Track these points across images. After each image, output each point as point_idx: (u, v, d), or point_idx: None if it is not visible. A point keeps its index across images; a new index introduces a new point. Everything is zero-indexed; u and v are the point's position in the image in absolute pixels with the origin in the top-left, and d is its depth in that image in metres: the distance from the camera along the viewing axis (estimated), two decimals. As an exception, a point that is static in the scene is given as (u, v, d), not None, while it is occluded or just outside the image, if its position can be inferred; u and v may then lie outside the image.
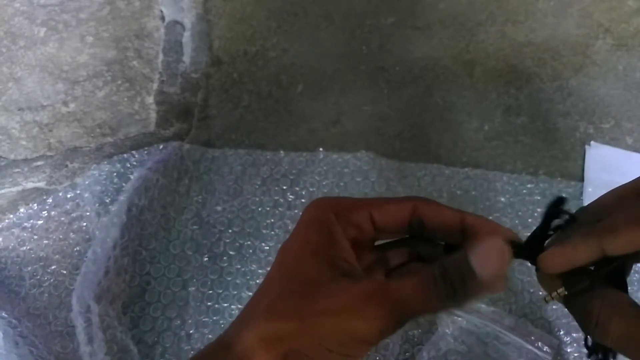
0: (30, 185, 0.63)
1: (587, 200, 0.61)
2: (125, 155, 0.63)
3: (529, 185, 0.62)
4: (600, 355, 0.29)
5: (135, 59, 0.71)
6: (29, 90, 0.69)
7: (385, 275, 0.34)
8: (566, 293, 0.29)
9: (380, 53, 0.71)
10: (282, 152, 0.64)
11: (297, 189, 0.62)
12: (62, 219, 0.60)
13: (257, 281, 0.57)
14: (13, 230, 0.60)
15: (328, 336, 0.27)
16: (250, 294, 0.57)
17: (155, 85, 0.70)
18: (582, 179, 0.62)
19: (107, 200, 0.60)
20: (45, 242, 0.59)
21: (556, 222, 0.31)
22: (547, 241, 0.32)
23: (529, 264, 0.32)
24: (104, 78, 0.70)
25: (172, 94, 0.69)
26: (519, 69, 0.70)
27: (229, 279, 0.57)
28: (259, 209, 0.61)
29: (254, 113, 0.68)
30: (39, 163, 0.65)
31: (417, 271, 0.29)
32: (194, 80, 0.70)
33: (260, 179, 0.62)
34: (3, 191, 0.63)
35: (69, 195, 0.61)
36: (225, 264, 0.58)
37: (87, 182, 0.61)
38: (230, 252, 0.59)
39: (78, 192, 0.61)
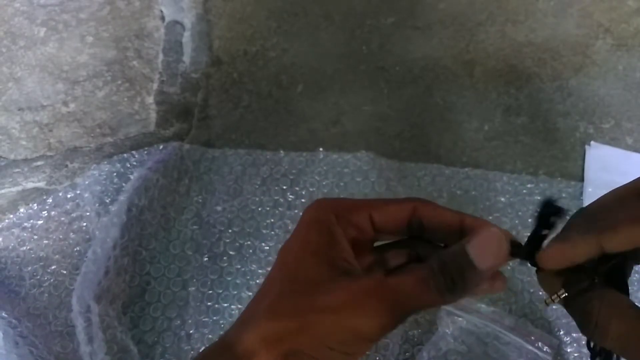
0: (30, 185, 0.63)
1: (587, 200, 0.61)
2: (125, 155, 0.63)
3: (529, 185, 0.62)
4: (602, 358, 0.29)
5: (135, 59, 0.71)
6: (29, 90, 0.69)
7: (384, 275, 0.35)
8: (566, 294, 0.28)
9: (380, 53, 0.71)
10: (282, 152, 0.64)
11: (297, 189, 0.62)
12: (62, 219, 0.60)
13: (257, 281, 0.57)
14: (13, 230, 0.60)
15: (329, 334, 0.27)
16: (250, 294, 0.57)
17: (155, 85, 0.70)
18: (582, 179, 0.62)
19: (107, 200, 0.60)
20: (45, 242, 0.59)
21: (551, 219, 0.31)
22: (545, 241, 0.32)
23: (529, 265, 0.32)
24: (104, 78, 0.70)
25: (172, 94, 0.69)
26: (519, 69, 0.70)
27: (229, 279, 0.57)
28: (259, 209, 0.61)
29: (254, 113, 0.68)
30: (39, 163, 0.65)
31: (415, 269, 0.29)
32: (194, 80, 0.70)
33: (260, 178, 0.62)
34: (3, 191, 0.63)
35: (69, 195, 0.61)
36: (225, 264, 0.58)
37: (87, 182, 0.61)
38: (230, 252, 0.59)
39: (78, 192, 0.61)
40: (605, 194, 0.29)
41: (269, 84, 0.70)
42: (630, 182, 0.29)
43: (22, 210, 0.61)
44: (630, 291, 0.29)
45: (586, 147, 0.64)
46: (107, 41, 0.72)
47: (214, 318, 0.55)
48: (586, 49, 0.71)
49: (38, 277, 0.58)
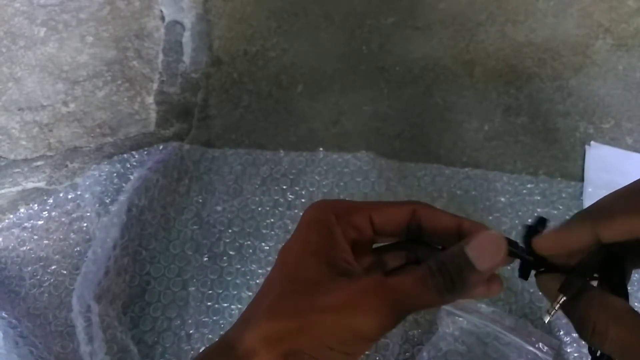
0: (30, 185, 0.64)
1: (587, 200, 0.61)
2: (125, 155, 0.63)
3: (529, 185, 0.62)
4: None
5: (135, 59, 0.71)
6: (29, 90, 0.69)
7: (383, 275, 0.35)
8: (565, 298, 0.29)
9: (380, 53, 0.71)
10: (282, 151, 0.64)
11: (297, 188, 0.62)
12: (63, 219, 0.60)
13: (257, 281, 0.57)
14: (13, 230, 0.60)
15: (329, 334, 0.28)
16: (250, 294, 0.57)
17: (155, 85, 0.70)
18: (582, 179, 0.62)
19: (107, 201, 0.60)
20: (46, 242, 0.59)
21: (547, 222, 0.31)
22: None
23: (524, 268, 0.32)
24: (104, 78, 0.70)
25: (172, 94, 0.69)
26: (519, 69, 0.70)
27: (229, 279, 0.57)
28: (259, 209, 0.61)
29: (254, 113, 0.68)
30: (39, 163, 0.65)
31: (414, 270, 0.29)
32: (194, 80, 0.70)
33: (260, 178, 0.62)
34: (3, 191, 0.63)
35: (69, 196, 0.61)
36: (225, 264, 0.58)
37: (87, 183, 0.61)
38: (230, 252, 0.59)
39: (78, 192, 0.61)
40: (606, 195, 0.29)
41: (269, 84, 0.70)
42: (631, 183, 0.29)
43: (22, 210, 0.61)
44: (630, 291, 0.29)
45: (586, 147, 0.64)
46: (107, 41, 0.72)
47: (214, 318, 0.55)
48: (586, 49, 0.71)
49: (38, 277, 0.58)
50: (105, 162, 0.63)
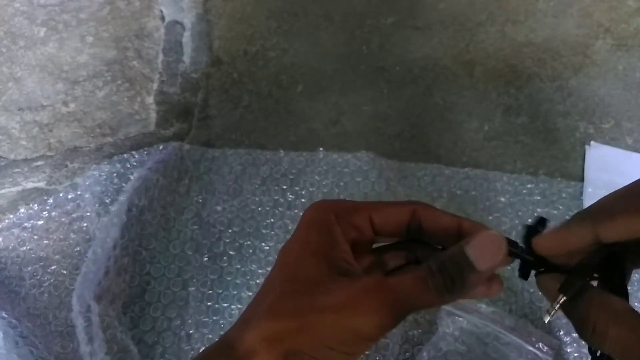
0: (30, 185, 0.64)
1: (587, 200, 0.61)
2: (125, 155, 0.63)
3: (529, 185, 0.62)
4: None
5: (135, 59, 0.71)
6: (29, 90, 0.69)
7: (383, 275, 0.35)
8: (565, 298, 0.28)
9: (380, 53, 0.71)
10: (282, 151, 0.64)
11: (297, 188, 0.62)
12: (63, 219, 0.60)
13: (257, 281, 0.57)
14: (13, 230, 0.60)
15: (329, 334, 0.28)
16: (250, 294, 0.57)
17: (155, 85, 0.70)
18: (582, 179, 0.62)
19: (107, 201, 0.60)
20: (46, 242, 0.59)
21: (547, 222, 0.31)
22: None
23: (523, 269, 0.32)
24: (104, 78, 0.70)
25: (172, 94, 0.69)
26: (519, 69, 0.70)
27: (229, 279, 0.57)
28: (259, 209, 0.61)
29: (254, 113, 0.68)
30: (39, 163, 0.65)
31: (414, 269, 0.30)
32: (194, 80, 0.70)
33: (260, 178, 0.62)
34: (3, 191, 0.63)
35: (69, 196, 0.61)
36: (225, 264, 0.58)
37: (87, 183, 0.61)
38: (230, 252, 0.59)
39: (78, 192, 0.61)
40: (606, 195, 0.29)
41: (269, 84, 0.70)
42: (631, 183, 0.29)
43: (22, 210, 0.61)
44: (630, 291, 0.29)
45: (586, 147, 0.64)
46: (107, 41, 0.72)
47: (214, 318, 0.55)
48: (586, 49, 0.71)
49: (38, 277, 0.58)
50: (105, 162, 0.63)
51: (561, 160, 0.64)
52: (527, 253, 0.31)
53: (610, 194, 0.29)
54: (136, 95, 0.69)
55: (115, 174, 0.62)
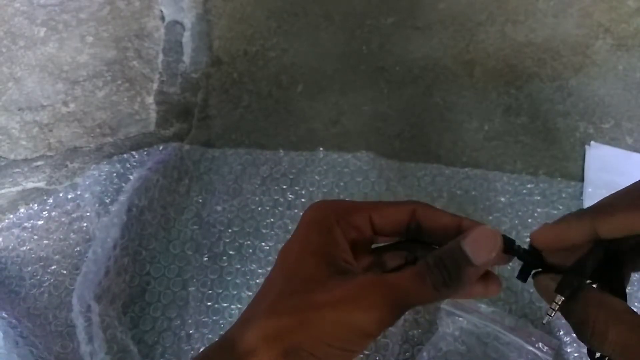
0: (30, 185, 0.64)
1: (587, 200, 0.61)
2: (125, 155, 0.63)
3: (529, 185, 0.62)
4: None
5: (135, 59, 0.71)
6: (29, 90, 0.69)
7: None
8: (562, 299, 0.28)
9: (380, 53, 0.71)
10: (282, 151, 0.64)
11: (297, 188, 0.62)
12: (63, 219, 0.60)
13: (257, 281, 0.57)
14: (13, 230, 0.60)
15: (327, 330, 0.28)
16: (250, 294, 0.57)
17: (155, 85, 0.70)
18: (582, 179, 0.62)
19: (107, 201, 0.60)
20: (46, 242, 0.59)
21: None
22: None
23: (522, 270, 0.32)
24: (104, 78, 0.70)
25: (172, 94, 0.69)
26: (519, 69, 0.70)
27: (229, 278, 0.57)
28: (259, 209, 0.61)
29: (254, 113, 0.68)
30: (39, 163, 0.65)
31: (412, 266, 0.30)
32: (194, 80, 0.70)
33: (260, 178, 0.62)
34: (3, 191, 0.63)
35: (69, 196, 0.61)
36: (225, 264, 0.58)
37: (87, 183, 0.61)
38: (230, 252, 0.59)
39: (78, 192, 0.61)
40: (607, 196, 0.29)
41: (269, 84, 0.70)
42: (632, 184, 0.29)
43: (22, 210, 0.61)
44: (629, 291, 0.29)
45: (586, 147, 0.64)
46: (107, 41, 0.72)
47: (214, 318, 0.55)
48: (586, 49, 0.71)
49: (38, 277, 0.58)
50: (105, 162, 0.63)
51: (561, 160, 0.64)
52: (525, 252, 0.31)
53: (611, 194, 0.29)
54: (136, 95, 0.69)
55: (115, 174, 0.62)
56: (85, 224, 0.60)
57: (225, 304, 0.56)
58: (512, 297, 0.55)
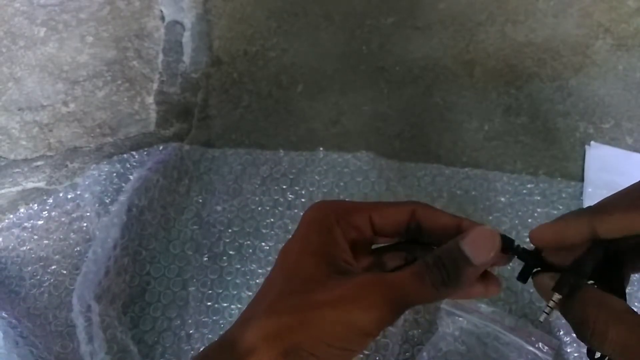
0: (30, 185, 0.64)
1: (587, 200, 0.61)
2: (125, 155, 0.63)
3: (529, 185, 0.62)
4: None
5: (135, 59, 0.71)
6: (29, 90, 0.69)
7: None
8: (560, 297, 0.28)
9: (380, 53, 0.71)
10: (282, 151, 0.64)
11: (297, 188, 0.62)
12: (63, 219, 0.60)
13: (257, 281, 0.57)
14: (13, 230, 0.60)
15: (327, 330, 0.28)
16: (250, 293, 0.57)
17: (155, 85, 0.70)
18: (582, 179, 0.62)
19: (107, 201, 0.60)
20: (46, 242, 0.59)
21: None
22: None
23: (522, 270, 0.32)
24: (104, 78, 0.70)
25: (172, 94, 0.69)
26: (519, 69, 0.70)
27: (229, 278, 0.57)
28: (259, 209, 0.61)
29: (254, 113, 0.68)
30: (39, 163, 0.65)
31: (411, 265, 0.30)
32: (194, 80, 0.70)
33: (260, 178, 0.62)
34: (3, 191, 0.63)
35: (69, 196, 0.61)
36: (225, 264, 0.58)
37: (87, 182, 0.61)
38: (230, 252, 0.59)
39: (78, 192, 0.61)
40: (607, 197, 0.29)
41: (269, 84, 0.70)
42: (632, 185, 0.29)
43: (22, 210, 0.61)
44: (629, 291, 0.29)
45: (586, 147, 0.64)
46: (107, 41, 0.72)
47: (214, 318, 0.55)
48: (586, 49, 0.71)
49: (38, 277, 0.58)
50: (105, 162, 0.63)
51: (561, 160, 0.64)
52: (524, 252, 0.31)
53: (611, 195, 0.29)
54: (136, 95, 0.69)
55: (115, 174, 0.62)
56: (85, 224, 0.60)
57: (225, 304, 0.56)
58: (512, 297, 0.55)
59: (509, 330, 0.51)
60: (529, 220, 0.60)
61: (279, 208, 0.61)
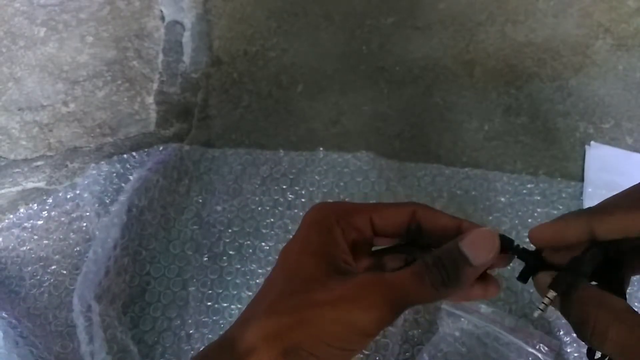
0: (30, 185, 0.64)
1: (587, 200, 0.61)
2: (125, 155, 0.63)
3: (529, 185, 0.62)
4: None
5: (135, 59, 0.71)
6: (29, 90, 0.69)
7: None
8: (555, 294, 0.29)
9: (380, 53, 0.71)
10: (282, 151, 0.64)
11: (297, 188, 0.62)
12: (62, 219, 0.60)
13: (257, 281, 0.57)
14: (13, 230, 0.60)
15: (326, 329, 0.28)
16: (250, 293, 0.57)
17: (155, 85, 0.70)
18: (582, 179, 0.62)
19: (107, 201, 0.60)
20: (45, 242, 0.59)
21: None
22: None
23: (523, 269, 0.32)
24: (104, 78, 0.70)
25: (172, 94, 0.69)
26: (519, 69, 0.70)
27: (229, 278, 0.57)
28: (259, 209, 0.61)
29: (254, 113, 0.68)
30: (39, 163, 0.65)
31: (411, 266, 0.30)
32: (194, 80, 0.70)
33: (260, 178, 0.62)
34: (3, 191, 0.63)
35: (68, 196, 0.61)
36: (225, 264, 0.58)
37: (86, 182, 0.61)
38: (230, 252, 0.59)
39: (78, 192, 0.61)
40: (606, 198, 0.30)
41: (269, 84, 0.70)
42: (632, 186, 0.29)
43: (22, 210, 0.61)
44: (629, 292, 0.29)
45: (586, 147, 0.64)
46: (107, 41, 0.72)
47: (214, 318, 0.55)
48: (586, 49, 0.71)
49: (38, 277, 0.58)
50: (105, 162, 0.63)
51: (561, 160, 0.64)
52: (523, 252, 0.31)
53: (611, 196, 0.29)
54: (136, 95, 0.69)
55: (114, 174, 0.62)
56: (85, 224, 0.60)
57: (225, 304, 0.56)
58: (512, 297, 0.55)
59: (509, 331, 0.51)
60: (529, 220, 0.60)
61: (279, 208, 0.61)
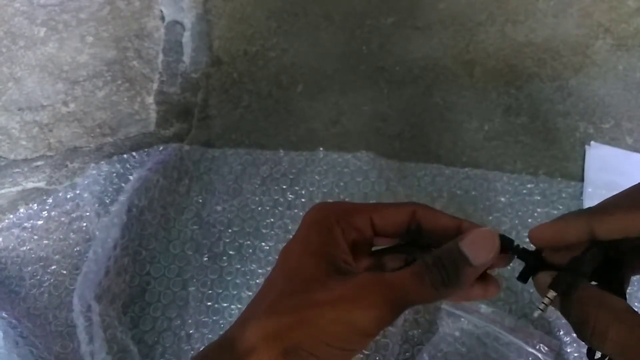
0: (30, 185, 0.64)
1: (587, 200, 0.61)
2: (125, 155, 0.63)
3: (529, 185, 0.62)
4: None
5: (135, 59, 0.71)
6: (29, 90, 0.69)
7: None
8: (555, 294, 0.29)
9: (380, 53, 0.71)
10: (282, 151, 0.64)
11: (297, 188, 0.62)
12: (62, 219, 0.60)
13: (257, 281, 0.57)
14: (13, 230, 0.60)
15: (326, 329, 0.28)
16: (250, 293, 0.57)
17: (155, 85, 0.70)
18: (582, 179, 0.62)
19: (107, 201, 0.60)
20: (45, 242, 0.59)
21: None
22: None
23: (523, 270, 0.32)
24: (104, 78, 0.70)
25: (172, 94, 0.69)
26: (519, 69, 0.70)
27: (229, 278, 0.57)
28: (259, 209, 0.61)
29: (254, 113, 0.68)
30: (39, 163, 0.65)
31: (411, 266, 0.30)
32: (194, 80, 0.70)
33: (260, 178, 0.62)
34: (3, 191, 0.63)
35: (68, 196, 0.61)
36: (225, 264, 0.58)
37: (86, 183, 0.61)
38: (230, 252, 0.59)
39: (78, 192, 0.61)
40: (607, 198, 0.30)
41: (269, 84, 0.70)
42: (632, 186, 0.29)
43: (22, 210, 0.61)
44: (629, 292, 0.29)
45: (586, 147, 0.64)
46: (107, 41, 0.72)
47: (214, 318, 0.55)
48: (586, 49, 0.71)
49: (38, 277, 0.58)
50: (105, 162, 0.63)
51: (561, 160, 0.64)
52: (523, 252, 0.31)
53: (611, 196, 0.29)
54: (136, 95, 0.69)
55: (114, 174, 0.62)
56: (85, 224, 0.60)
57: (225, 304, 0.56)
58: (512, 297, 0.55)
59: (509, 331, 0.51)
60: (529, 220, 0.60)
61: (279, 208, 0.61)
